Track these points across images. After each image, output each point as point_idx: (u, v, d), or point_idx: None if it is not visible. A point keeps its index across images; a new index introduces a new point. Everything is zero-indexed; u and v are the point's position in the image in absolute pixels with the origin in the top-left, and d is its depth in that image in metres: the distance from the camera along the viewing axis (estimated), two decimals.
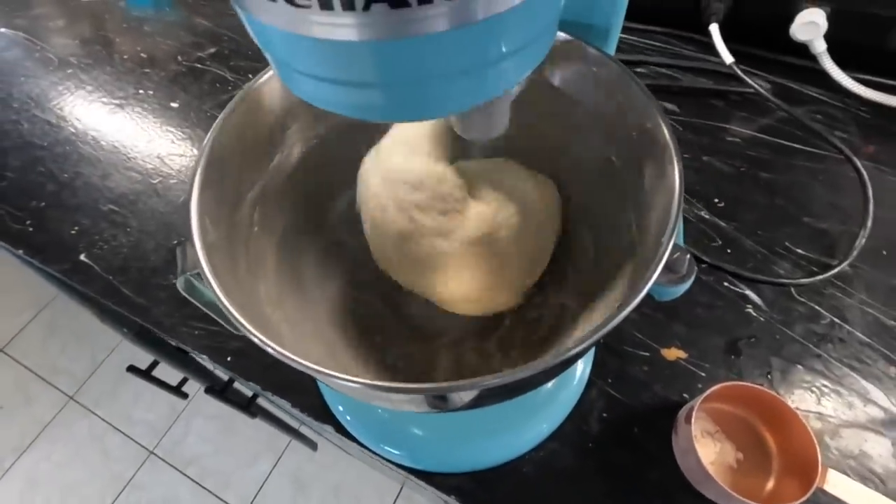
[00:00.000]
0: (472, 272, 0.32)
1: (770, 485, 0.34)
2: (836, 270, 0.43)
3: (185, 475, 1.18)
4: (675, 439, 0.36)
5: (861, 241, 0.43)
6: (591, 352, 0.39)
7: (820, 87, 0.55)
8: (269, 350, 0.20)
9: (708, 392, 0.33)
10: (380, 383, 0.20)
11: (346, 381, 0.20)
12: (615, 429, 0.37)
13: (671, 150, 0.22)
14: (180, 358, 0.60)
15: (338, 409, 0.39)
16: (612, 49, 0.30)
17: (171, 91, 0.63)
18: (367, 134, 0.33)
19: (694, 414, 0.33)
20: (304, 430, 1.12)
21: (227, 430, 1.23)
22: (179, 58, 0.66)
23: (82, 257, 0.49)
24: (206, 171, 0.25)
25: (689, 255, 0.22)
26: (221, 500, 1.15)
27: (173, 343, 0.45)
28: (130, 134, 0.59)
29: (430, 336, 0.35)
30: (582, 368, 0.38)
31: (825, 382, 0.38)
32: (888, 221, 0.45)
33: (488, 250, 0.32)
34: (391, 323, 0.35)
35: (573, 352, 0.18)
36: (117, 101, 0.62)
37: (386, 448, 0.37)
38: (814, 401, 0.38)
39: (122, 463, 1.20)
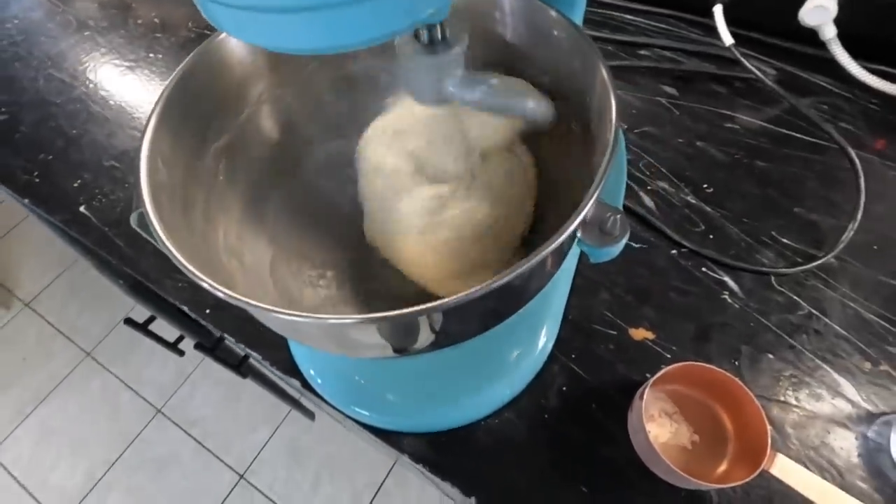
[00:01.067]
0: (442, 258, 0.32)
1: (723, 467, 0.34)
2: (820, 262, 0.41)
3: (188, 435, 1.22)
4: (630, 417, 0.35)
5: (849, 234, 0.42)
6: (556, 324, 0.39)
7: (828, 77, 0.53)
8: (205, 285, 0.21)
9: (664, 370, 0.33)
10: (331, 318, 0.21)
11: (284, 315, 0.21)
12: (573, 404, 0.37)
13: (612, 113, 0.22)
14: (175, 313, 0.63)
15: (309, 374, 0.40)
16: (578, 18, 0.29)
17: (180, 56, 0.64)
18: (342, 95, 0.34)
19: (647, 391, 0.33)
20: (303, 400, 1.15)
21: (231, 396, 1.27)
22: (190, 24, 0.68)
23: (82, 209, 0.51)
24: (165, 112, 0.26)
25: (620, 216, 0.21)
26: (221, 460, 1.19)
27: (162, 295, 0.47)
28: (138, 96, 0.61)
29: (394, 298, 0.36)
30: (545, 340, 0.38)
31: (794, 373, 0.37)
32: (883, 217, 0.43)
33: (463, 243, 0.32)
34: (354, 285, 0.36)
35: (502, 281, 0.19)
36: (128, 64, 0.64)
37: (354, 408, 0.38)
38: (780, 390, 0.37)
39: (130, 419, 1.25)
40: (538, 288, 0.25)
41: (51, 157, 0.56)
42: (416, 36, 0.25)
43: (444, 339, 0.25)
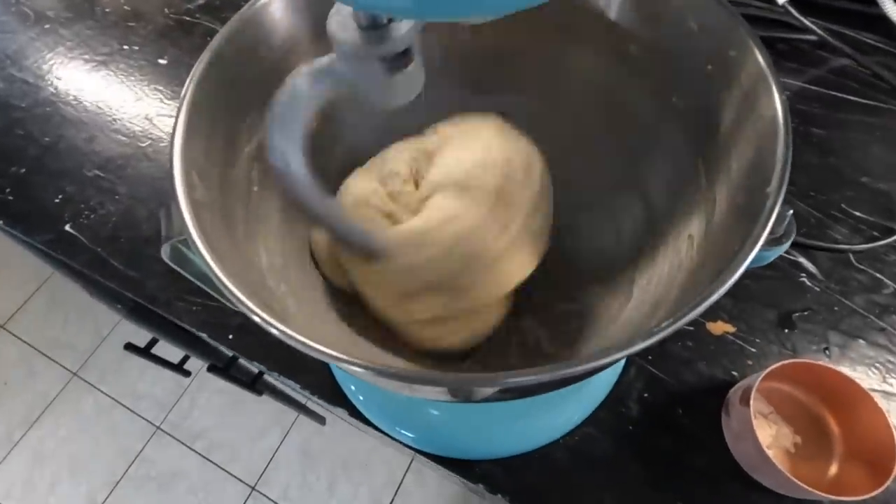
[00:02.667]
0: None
1: (833, 471, 0.31)
2: None
3: (192, 449, 1.17)
4: (727, 421, 0.32)
5: None
6: None
7: (878, 34, 0.49)
8: (274, 331, 0.16)
9: (768, 370, 0.30)
10: (401, 370, 0.17)
11: (366, 369, 0.16)
12: (657, 411, 0.34)
13: (768, 77, 0.18)
14: (180, 335, 0.57)
15: (350, 389, 0.36)
16: None
17: (159, 46, 0.57)
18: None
19: (753, 395, 0.29)
20: (311, 405, 1.10)
21: (234, 404, 1.22)
22: (167, 10, 0.61)
23: (67, 227, 0.45)
24: (191, 117, 0.20)
25: (791, 212, 0.17)
26: (229, 473, 1.14)
27: (172, 319, 0.41)
28: (116, 93, 0.54)
29: None
30: None
31: (890, 358, 0.35)
32: None
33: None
34: None
35: (659, 335, 0.15)
36: (100, 58, 0.57)
37: (403, 432, 0.34)
38: (878, 378, 0.34)
39: (129, 437, 1.19)
40: None
41: (23, 169, 0.49)
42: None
43: (526, 394, 0.21)
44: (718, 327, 0.36)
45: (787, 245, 0.18)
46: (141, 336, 0.61)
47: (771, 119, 0.18)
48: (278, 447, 1.16)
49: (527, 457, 0.33)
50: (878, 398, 0.33)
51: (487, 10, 0.13)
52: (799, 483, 0.27)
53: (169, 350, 0.64)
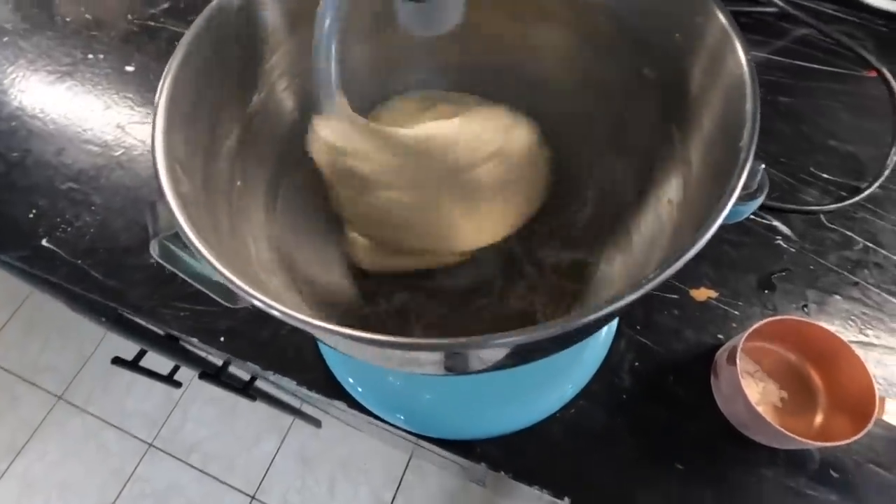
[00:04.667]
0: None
1: (818, 420, 0.32)
2: (866, 193, 0.40)
3: (187, 464, 1.15)
4: (716, 383, 0.33)
5: (892, 160, 0.40)
6: None
7: (838, 4, 0.51)
8: (276, 313, 0.16)
9: (752, 329, 0.31)
10: (404, 340, 0.17)
11: (366, 339, 0.16)
12: (648, 379, 0.35)
13: (732, 37, 0.19)
14: (168, 344, 0.56)
15: (348, 382, 0.36)
16: None
17: (125, 53, 0.56)
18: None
19: (738, 354, 0.30)
20: (305, 408, 1.10)
21: (227, 413, 1.20)
22: (130, 16, 0.59)
23: (44, 242, 0.44)
24: (169, 111, 0.20)
25: (763, 166, 0.18)
26: (227, 484, 1.13)
27: (156, 329, 0.41)
28: (84, 103, 0.53)
29: (447, 292, 0.32)
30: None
31: (865, 310, 0.36)
32: None
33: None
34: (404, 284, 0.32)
35: (647, 287, 0.15)
36: (65, 69, 0.56)
37: (402, 418, 0.34)
38: (855, 330, 0.35)
39: (120, 457, 1.17)
40: None
41: None
42: None
43: (525, 357, 0.21)
44: (702, 293, 0.37)
45: (761, 199, 0.19)
46: (128, 350, 0.60)
47: (738, 77, 0.18)
48: (275, 454, 1.15)
49: (525, 433, 0.34)
50: (856, 349, 0.34)
51: None
52: (789, 434, 0.28)
53: (158, 362, 0.63)
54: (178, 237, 0.18)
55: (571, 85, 0.28)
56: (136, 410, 1.22)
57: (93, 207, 0.45)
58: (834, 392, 0.32)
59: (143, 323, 0.42)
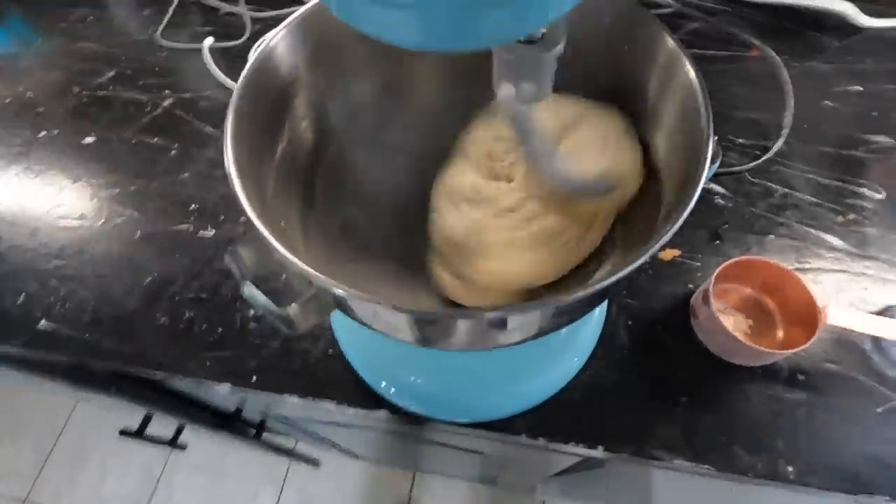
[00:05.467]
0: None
1: (779, 336, 0.39)
2: (774, 150, 0.48)
3: None
4: (696, 323, 0.39)
5: (787, 120, 0.49)
6: None
7: (714, 2, 0.61)
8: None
9: (716, 272, 0.37)
10: (448, 311, 0.21)
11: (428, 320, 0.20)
12: (641, 334, 0.40)
13: (675, 52, 0.25)
14: (174, 402, 0.56)
15: (381, 386, 0.38)
16: None
17: (80, 126, 0.56)
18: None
19: (711, 294, 0.37)
20: (299, 447, 1.09)
21: (216, 476, 1.16)
22: (76, 89, 0.59)
23: (41, 325, 0.43)
24: (239, 166, 0.23)
25: (715, 139, 0.24)
26: None
27: (183, 382, 0.42)
28: (47, 181, 0.52)
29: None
30: None
31: (794, 243, 0.44)
32: (803, 102, 0.52)
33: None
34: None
35: (650, 252, 0.20)
36: (17, 149, 0.55)
37: (445, 412, 0.38)
38: (792, 259, 0.43)
39: None
40: None
41: None
42: None
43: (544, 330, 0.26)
44: (668, 254, 0.44)
45: (718, 163, 0.25)
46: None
47: (684, 78, 0.24)
48: (277, 502, 1.12)
49: (551, 402, 0.38)
50: (796, 273, 0.42)
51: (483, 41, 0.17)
52: (763, 349, 0.35)
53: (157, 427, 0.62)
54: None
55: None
56: (114, 495, 1.14)
57: (86, 280, 0.46)
58: (786, 311, 0.39)
59: (161, 380, 0.42)
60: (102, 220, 0.49)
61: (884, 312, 0.40)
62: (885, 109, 0.53)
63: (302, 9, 0.28)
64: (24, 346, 0.43)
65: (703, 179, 0.22)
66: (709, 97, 0.25)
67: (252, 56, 0.26)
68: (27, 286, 0.46)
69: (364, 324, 0.26)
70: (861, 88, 0.54)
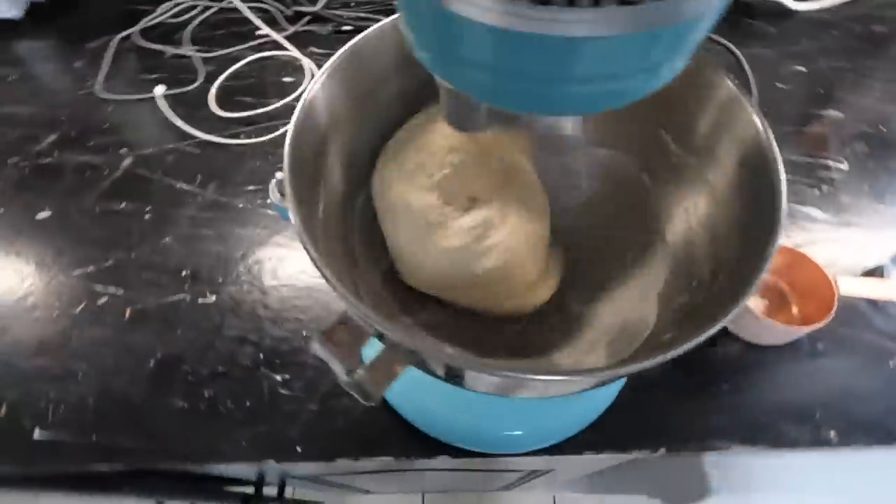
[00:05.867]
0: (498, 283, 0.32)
1: (795, 313, 0.42)
2: None
3: None
4: None
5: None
6: None
7: None
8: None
9: None
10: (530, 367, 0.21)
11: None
12: None
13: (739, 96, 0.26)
14: (184, 487, 0.51)
15: (436, 431, 0.37)
16: None
17: (29, 201, 0.50)
18: None
19: None
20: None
21: None
22: (14, 159, 0.53)
23: (35, 435, 0.38)
24: (295, 185, 0.22)
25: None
26: None
27: (217, 467, 0.38)
28: (6, 269, 0.46)
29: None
30: None
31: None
32: (757, 85, 0.56)
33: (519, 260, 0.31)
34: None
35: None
36: None
37: (499, 446, 0.37)
38: (790, 242, 0.46)
39: None
40: None
41: None
42: None
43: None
44: None
45: None
46: None
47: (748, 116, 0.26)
48: None
49: (608, 413, 0.39)
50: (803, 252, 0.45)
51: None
52: (794, 328, 0.37)
53: None
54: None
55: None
56: None
57: (79, 376, 0.41)
58: (798, 288, 0.42)
59: (190, 470, 0.39)
60: (82, 305, 0.44)
61: (873, 273, 0.44)
62: (828, 85, 0.58)
63: (336, 55, 0.27)
64: (20, 464, 0.38)
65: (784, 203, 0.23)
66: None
67: (298, 108, 0.24)
68: (6, 394, 0.40)
69: (443, 379, 0.25)
70: (804, 69, 0.59)
